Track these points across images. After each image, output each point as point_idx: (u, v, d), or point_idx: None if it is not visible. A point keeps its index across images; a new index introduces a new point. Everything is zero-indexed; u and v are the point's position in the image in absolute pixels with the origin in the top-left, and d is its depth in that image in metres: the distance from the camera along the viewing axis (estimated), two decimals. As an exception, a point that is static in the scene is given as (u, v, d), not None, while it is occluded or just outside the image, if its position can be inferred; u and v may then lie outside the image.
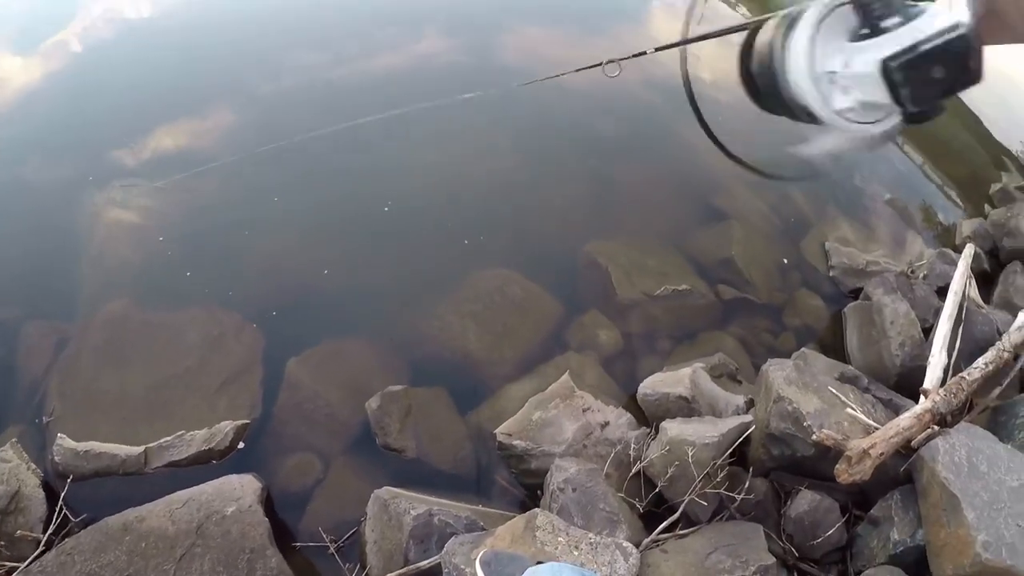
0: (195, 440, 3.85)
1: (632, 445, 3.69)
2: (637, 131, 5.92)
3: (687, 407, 3.88)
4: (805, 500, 3.62)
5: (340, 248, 4.65)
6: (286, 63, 6.09)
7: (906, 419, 3.68)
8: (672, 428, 3.66)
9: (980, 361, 4.35)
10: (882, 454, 3.47)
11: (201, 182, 4.94)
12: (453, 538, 3.00)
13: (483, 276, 4.55)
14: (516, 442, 3.70)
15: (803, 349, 4.17)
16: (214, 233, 4.76)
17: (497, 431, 3.78)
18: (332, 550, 3.55)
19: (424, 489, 3.63)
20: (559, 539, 2.90)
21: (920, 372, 4.20)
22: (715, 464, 3.49)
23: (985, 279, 5.90)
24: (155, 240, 4.70)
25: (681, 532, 3.49)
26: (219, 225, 4.81)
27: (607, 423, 3.78)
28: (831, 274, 5.34)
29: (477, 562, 2.71)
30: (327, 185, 5.04)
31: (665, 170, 5.65)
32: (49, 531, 3.50)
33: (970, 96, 7.37)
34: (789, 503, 3.69)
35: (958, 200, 6.95)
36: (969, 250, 5.34)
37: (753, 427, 3.72)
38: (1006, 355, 4.50)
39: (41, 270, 4.61)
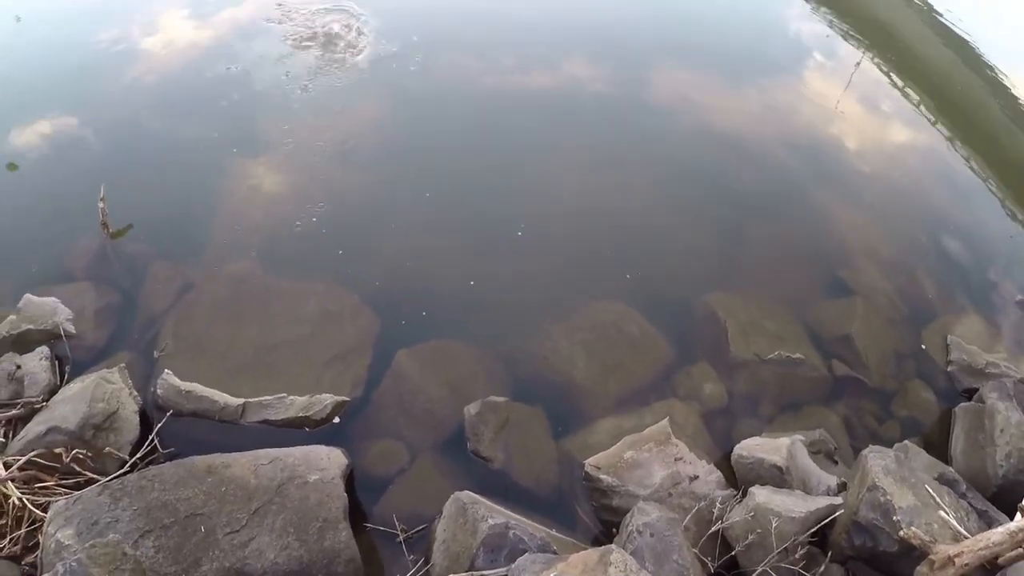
0: (294, 405, 4.00)
1: (717, 504, 3.70)
2: (774, 184, 5.88)
3: (779, 477, 3.86)
4: (879, 593, 3.56)
5: (469, 257, 4.81)
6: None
7: (998, 534, 3.59)
8: (760, 495, 3.66)
9: (1087, 486, 4.21)
10: (967, 564, 3.41)
11: (350, 170, 5.11)
12: (525, 555, 3.05)
13: (601, 308, 4.62)
14: (604, 476, 3.74)
15: (906, 441, 4.11)
16: (351, 217, 4.95)
17: (587, 462, 3.84)
18: (400, 539, 3.68)
19: (503, 502, 3.72)
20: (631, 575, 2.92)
21: (1021, 488, 4.07)
22: (796, 540, 3.47)
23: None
24: (292, 212, 4.89)
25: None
26: (359, 213, 4.99)
27: (696, 476, 3.79)
28: (949, 369, 5.17)
29: None
30: (468, 196, 5.21)
31: (796, 230, 5.62)
32: (136, 456, 3.75)
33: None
34: (865, 593, 3.64)
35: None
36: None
37: (841, 511, 3.68)
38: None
39: (179, 217, 4.88)
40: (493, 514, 3.46)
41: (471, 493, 3.63)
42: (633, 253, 5.01)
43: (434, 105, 5.79)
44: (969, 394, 5.00)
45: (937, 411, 4.93)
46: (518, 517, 3.57)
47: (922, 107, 7.59)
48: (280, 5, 6.82)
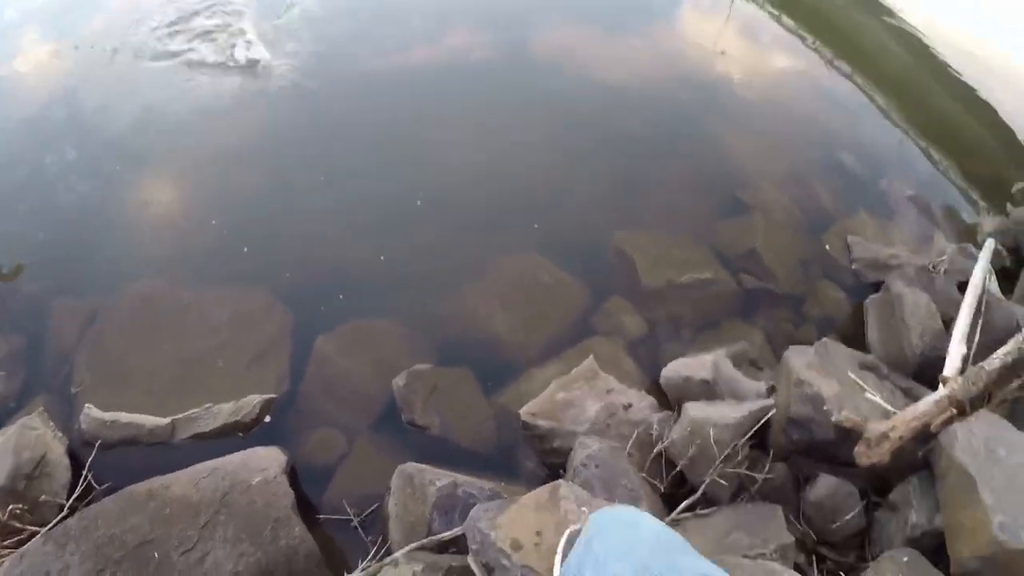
0: (222, 412, 3.93)
1: (654, 427, 3.75)
2: (666, 125, 5.98)
3: (709, 390, 3.93)
4: (824, 485, 3.66)
5: (372, 232, 4.74)
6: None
7: (925, 404, 3.72)
8: (694, 409, 3.73)
9: (1000, 352, 4.36)
10: (901, 437, 3.52)
11: (243, 168, 5.03)
12: (477, 505, 3.04)
13: (512, 261, 4.62)
14: (540, 422, 3.76)
15: (824, 339, 4.18)
16: (251, 215, 4.85)
17: (521, 411, 3.85)
18: (355, 523, 3.63)
19: (448, 466, 3.69)
20: (583, 509, 2.94)
21: (939, 362, 4.22)
22: (736, 445, 3.55)
23: (1006, 276, 5.91)
24: (189, 220, 4.80)
25: (701, 512, 3.54)
26: (257, 209, 4.91)
27: (630, 405, 3.83)
28: (853, 267, 5.37)
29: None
30: (364, 176, 5.13)
31: (691, 163, 5.71)
32: (73, 497, 3.60)
33: (994, 96, 7.41)
34: (808, 488, 3.74)
35: (980, 199, 6.95)
36: (989, 245, 5.37)
37: (774, 411, 3.78)
38: (1026, 348, 4.52)
39: (73, 247, 4.73)
40: (440, 477, 3.46)
41: (415, 463, 3.62)
42: (536, 205, 5.02)
43: (321, 92, 5.71)
44: (876, 287, 5.17)
45: (849, 307, 5.10)
46: (467, 477, 3.58)
47: (800, 32, 7.81)
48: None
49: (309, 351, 4.20)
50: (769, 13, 8.01)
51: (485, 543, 2.85)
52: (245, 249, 4.61)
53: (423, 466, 3.59)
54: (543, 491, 2.98)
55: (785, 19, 7.93)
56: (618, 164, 5.45)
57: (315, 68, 5.94)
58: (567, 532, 2.71)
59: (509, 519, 2.89)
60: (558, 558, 2.67)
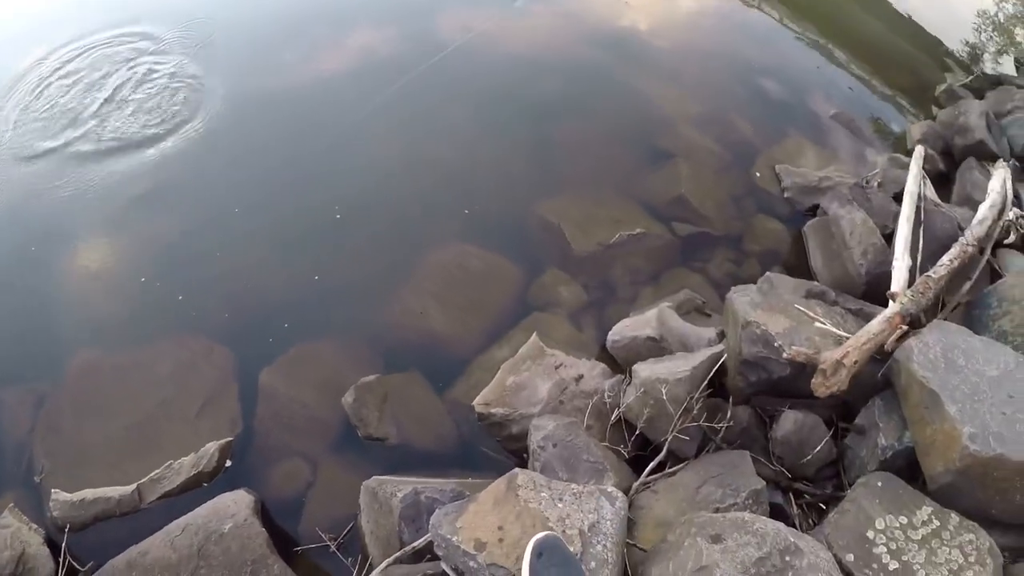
0: (183, 467, 3.82)
1: (608, 394, 3.69)
2: (578, 87, 5.90)
3: (657, 347, 3.88)
4: (789, 420, 3.62)
5: (298, 255, 4.60)
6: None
7: (876, 324, 3.69)
8: (643, 369, 3.67)
9: (945, 258, 4.36)
10: (856, 362, 3.48)
11: (160, 217, 4.90)
12: (437, 511, 2.98)
13: (440, 253, 4.53)
14: (494, 410, 3.70)
15: (767, 273, 4.15)
16: (177, 263, 4.70)
17: (475, 403, 3.78)
18: (333, 548, 3.54)
19: (412, 472, 3.64)
20: (542, 495, 2.89)
21: (886, 278, 4.22)
22: (692, 398, 3.50)
23: (942, 180, 5.95)
24: (115, 285, 4.65)
25: (670, 471, 3.50)
26: (183, 255, 4.75)
27: (581, 376, 3.77)
28: (786, 195, 5.36)
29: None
30: (280, 201, 4.98)
31: (608, 121, 5.65)
32: None
33: (911, 6, 7.44)
34: (774, 426, 3.70)
35: (906, 106, 7.00)
36: (919, 151, 5.38)
37: (725, 356, 3.73)
38: (971, 249, 4.53)
39: (5, 337, 4.56)
40: (401, 486, 3.39)
41: (379, 477, 3.55)
42: (456, 192, 4.92)
43: (223, 124, 5.55)
44: (812, 212, 5.18)
45: (787, 237, 5.09)
46: (431, 481, 3.50)
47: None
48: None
49: (256, 386, 4.09)
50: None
51: (449, 547, 2.79)
52: (180, 297, 4.47)
53: (385, 478, 3.52)
54: (500, 484, 2.94)
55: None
56: (535, 135, 5.36)
57: (214, 102, 5.78)
58: (532, 543, 2.66)
59: (469, 520, 2.84)
60: (526, 569, 2.62)
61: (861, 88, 7.04)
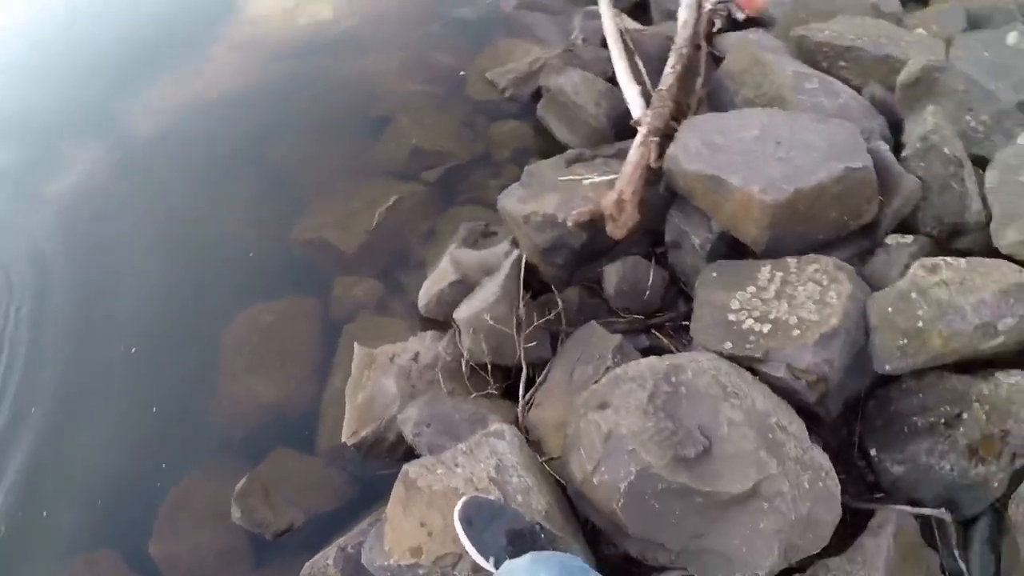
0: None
1: (446, 352, 3.78)
2: (275, 107, 5.82)
3: (465, 287, 4.01)
4: (612, 272, 3.83)
5: (106, 412, 4.35)
6: None
7: (634, 152, 3.92)
8: (463, 311, 3.80)
9: (667, 69, 4.61)
10: (635, 192, 3.70)
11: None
12: (363, 551, 2.98)
13: (233, 331, 4.44)
14: (364, 433, 3.71)
15: (526, 167, 4.28)
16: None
17: (344, 439, 3.78)
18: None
19: (334, 536, 3.57)
20: (438, 472, 2.95)
21: (627, 113, 4.44)
22: (516, 308, 3.61)
23: (642, 8, 6.25)
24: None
25: (539, 380, 3.62)
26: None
27: (417, 353, 3.84)
28: (507, 95, 5.59)
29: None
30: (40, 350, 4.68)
31: (319, 119, 5.61)
32: None
33: None
34: (604, 286, 3.89)
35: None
36: (606, -8, 5.60)
37: (525, 255, 3.85)
38: (686, 51, 4.79)
39: None
40: (328, 554, 3.28)
41: (309, 560, 3.43)
42: (215, 266, 4.73)
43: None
44: (537, 96, 5.39)
45: (528, 129, 5.34)
46: (349, 533, 3.48)
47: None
48: None
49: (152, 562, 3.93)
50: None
51: (395, 572, 2.79)
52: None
53: (314, 559, 3.46)
54: (398, 489, 2.97)
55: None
56: (262, 172, 5.29)
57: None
58: (455, 518, 2.71)
59: (392, 537, 2.85)
60: (466, 542, 2.66)
61: None
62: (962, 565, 2.94)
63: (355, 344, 4.00)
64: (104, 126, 5.88)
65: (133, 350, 4.43)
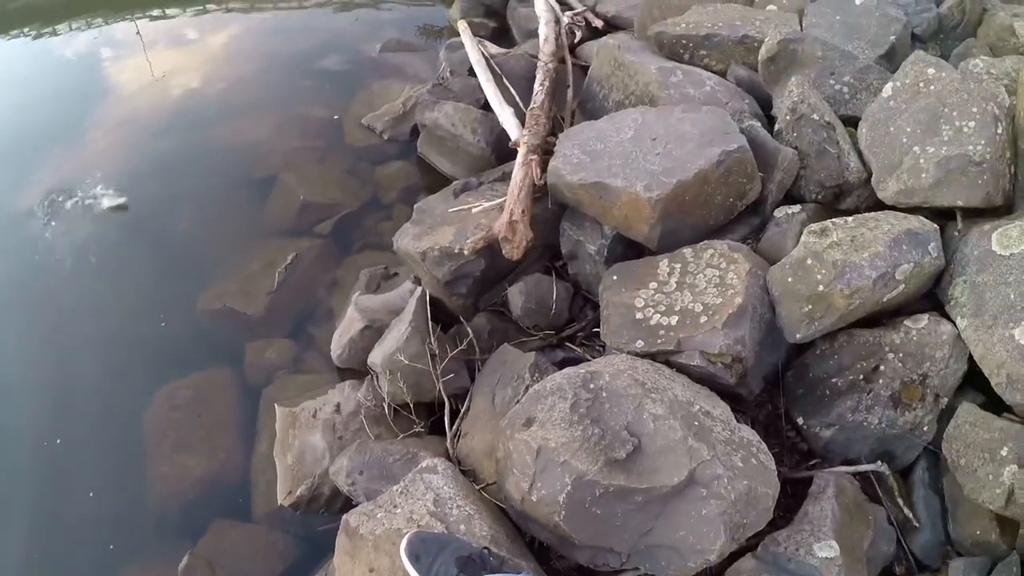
0: None
1: (367, 398, 3.76)
2: (158, 185, 5.65)
3: (375, 332, 3.99)
4: (516, 293, 3.88)
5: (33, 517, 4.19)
6: None
7: (517, 172, 3.99)
8: (377, 355, 3.79)
9: (536, 86, 4.70)
10: (523, 211, 3.74)
11: None
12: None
13: (148, 416, 4.30)
14: (299, 492, 3.65)
15: (416, 205, 4.29)
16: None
17: (280, 502, 3.70)
18: None
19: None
20: (379, 515, 2.91)
21: (506, 139, 4.51)
22: (428, 344, 3.60)
23: (503, 33, 6.37)
24: None
25: (463, 410, 3.61)
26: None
27: (338, 405, 3.79)
28: (386, 137, 5.63)
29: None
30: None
31: (204, 191, 5.47)
32: None
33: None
34: (510, 308, 3.92)
35: (434, 3, 7.43)
36: (463, 25, 5.74)
37: (428, 291, 3.85)
38: (551, 66, 4.88)
39: None
40: None
41: None
42: (127, 347, 4.57)
43: None
44: (416, 134, 5.47)
45: (412, 167, 5.45)
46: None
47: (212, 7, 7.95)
48: None
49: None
50: (163, 15, 7.97)
51: (353, 626, 2.74)
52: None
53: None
54: (340, 539, 2.93)
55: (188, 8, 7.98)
56: (160, 244, 5.17)
57: None
58: (402, 556, 2.67)
59: (344, 587, 2.79)
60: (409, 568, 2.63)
61: (396, 13, 7.59)
62: (908, 512, 3.02)
63: (276, 406, 3.94)
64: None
65: (58, 441, 4.29)
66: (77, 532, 3.99)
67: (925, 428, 3.05)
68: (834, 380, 3.15)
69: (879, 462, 3.05)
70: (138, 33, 7.58)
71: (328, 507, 3.71)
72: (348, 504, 3.56)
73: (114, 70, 7.12)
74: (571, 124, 4.60)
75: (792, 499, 3.04)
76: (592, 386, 2.87)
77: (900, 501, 3.04)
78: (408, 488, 2.98)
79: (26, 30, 8.03)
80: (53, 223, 5.39)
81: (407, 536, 2.70)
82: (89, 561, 3.89)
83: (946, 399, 3.06)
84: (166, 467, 4.10)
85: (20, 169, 5.91)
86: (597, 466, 2.62)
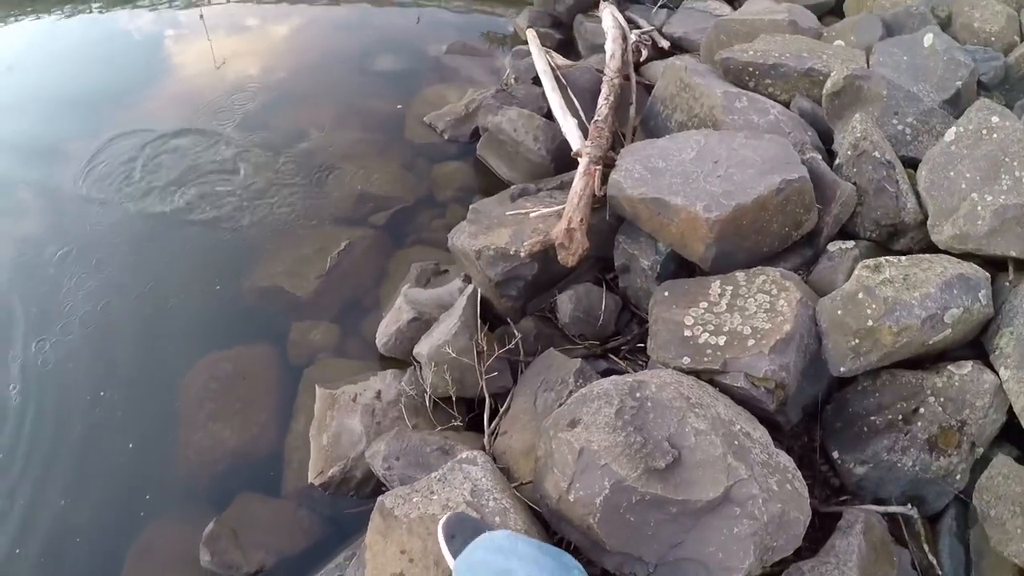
0: None
1: (409, 388, 3.80)
2: (215, 160, 5.77)
3: (422, 324, 4.04)
4: (565, 301, 3.91)
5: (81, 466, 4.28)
6: None
7: (578, 182, 4.01)
8: (423, 346, 3.83)
9: (600, 100, 4.74)
10: (582, 220, 3.78)
11: None
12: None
13: (187, 383, 4.37)
14: (331, 472, 3.70)
15: (471, 205, 4.34)
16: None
17: (311, 480, 3.75)
18: None
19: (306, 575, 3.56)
20: (415, 500, 2.95)
21: (567, 146, 4.55)
22: (476, 340, 3.65)
23: (568, 46, 6.46)
24: None
25: (503, 408, 3.65)
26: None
27: (379, 392, 3.84)
28: (446, 137, 5.70)
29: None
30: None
31: (260, 171, 5.57)
32: None
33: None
34: (558, 315, 3.95)
35: (503, 10, 7.51)
36: (531, 34, 5.81)
37: (480, 290, 3.90)
38: (617, 81, 4.93)
39: None
40: None
41: None
42: (177, 310, 4.72)
43: None
44: (476, 136, 5.53)
45: (469, 168, 5.51)
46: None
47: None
48: None
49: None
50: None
51: (384, 606, 2.79)
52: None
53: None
54: (375, 519, 2.96)
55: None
56: (215, 220, 5.25)
57: None
58: (440, 530, 2.74)
59: (374, 567, 2.83)
60: (448, 556, 2.67)
61: (460, 17, 7.65)
62: (932, 559, 3.02)
63: (316, 386, 3.99)
64: (55, 179, 5.78)
65: (101, 394, 4.39)
66: (114, 480, 4.07)
67: (958, 476, 3.04)
68: (873, 418, 3.16)
69: (909, 505, 3.05)
70: (201, 17, 7.68)
71: (358, 490, 3.76)
72: (378, 489, 3.61)
73: (176, 53, 7.24)
74: (632, 141, 4.65)
75: (819, 532, 3.04)
76: (638, 395, 2.90)
77: (926, 547, 3.03)
78: (447, 476, 3.03)
79: (95, 5, 8.18)
80: (120, 190, 5.51)
81: (448, 515, 2.78)
82: (114, 518, 3.96)
83: (982, 449, 3.06)
84: (200, 435, 4.16)
85: (91, 136, 6.03)
86: (636, 473, 2.66)
